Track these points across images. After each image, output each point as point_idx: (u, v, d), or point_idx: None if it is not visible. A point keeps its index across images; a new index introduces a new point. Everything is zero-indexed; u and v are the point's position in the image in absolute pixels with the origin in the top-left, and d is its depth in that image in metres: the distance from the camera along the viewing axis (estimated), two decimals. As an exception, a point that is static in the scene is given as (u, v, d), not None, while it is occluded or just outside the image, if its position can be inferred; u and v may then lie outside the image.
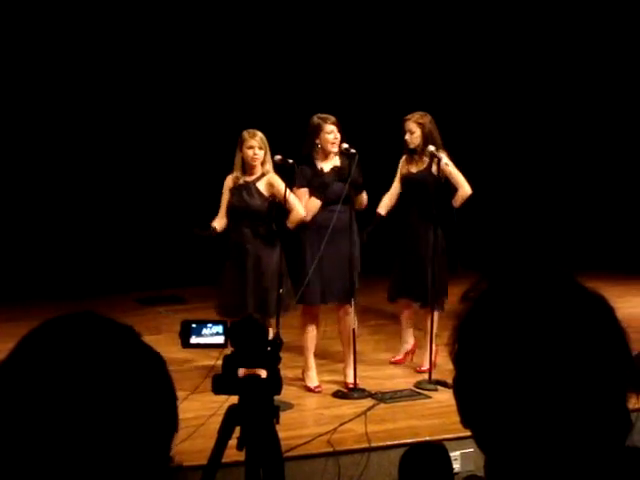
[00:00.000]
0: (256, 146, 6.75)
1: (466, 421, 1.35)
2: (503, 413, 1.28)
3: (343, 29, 10.44)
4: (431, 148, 7.09)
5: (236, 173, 6.86)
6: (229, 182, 6.90)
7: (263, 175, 6.85)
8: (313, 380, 7.12)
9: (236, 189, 6.84)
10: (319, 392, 7.05)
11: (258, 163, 6.80)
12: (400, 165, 7.39)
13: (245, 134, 6.80)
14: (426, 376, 7.14)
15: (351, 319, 7.00)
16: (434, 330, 7.20)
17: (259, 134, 6.78)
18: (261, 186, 6.84)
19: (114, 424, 1.21)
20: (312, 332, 7.09)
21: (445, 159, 7.04)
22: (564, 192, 11.19)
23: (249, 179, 6.85)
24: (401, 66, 10.64)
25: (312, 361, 7.15)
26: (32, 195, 9.76)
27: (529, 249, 10.44)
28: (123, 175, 10.03)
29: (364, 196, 7.11)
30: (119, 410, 1.22)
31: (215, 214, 6.94)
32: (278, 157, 6.83)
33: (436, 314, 7.19)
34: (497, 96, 10.97)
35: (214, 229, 6.84)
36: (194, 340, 3.83)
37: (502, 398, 1.28)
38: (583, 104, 11.12)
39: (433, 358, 7.17)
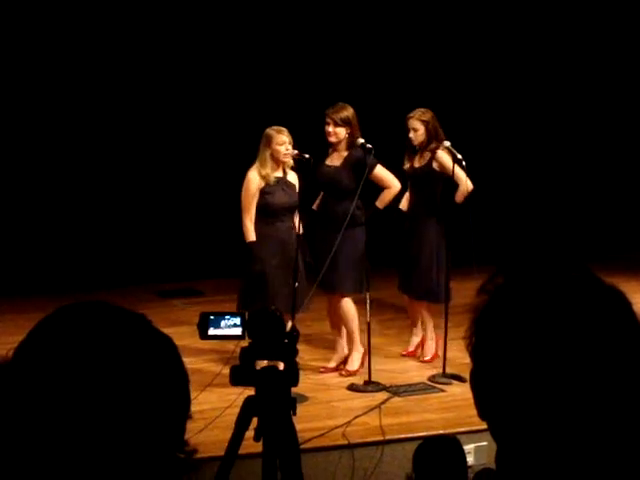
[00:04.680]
0: (287, 141, 6.74)
1: (483, 414, 1.35)
2: (520, 406, 1.29)
3: (345, 27, 10.40)
4: (447, 144, 7.11)
5: (266, 170, 6.77)
6: (258, 181, 6.79)
7: (286, 169, 6.88)
8: (332, 361, 7.29)
9: (272, 186, 6.79)
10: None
11: (290, 159, 6.81)
12: (404, 163, 7.41)
13: (272, 131, 6.76)
14: (440, 370, 7.18)
15: (342, 310, 7.08)
16: (431, 323, 7.33)
17: (285, 130, 6.79)
18: (292, 180, 6.87)
19: (127, 407, 1.23)
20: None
21: (459, 156, 7.07)
22: (581, 185, 11.15)
23: (280, 175, 6.84)
24: (406, 62, 10.58)
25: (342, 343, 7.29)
26: (53, 187, 9.78)
27: (545, 243, 10.42)
28: (142, 169, 10.04)
29: (385, 196, 7.17)
30: (132, 393, 1.24)
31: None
32: (295, 152, 6.85)
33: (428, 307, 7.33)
34: (506, 91, 10.92)
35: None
36: (212, 332, 3.86)
37: (519, 391, 1.29)
38: (595, 96, 11.07)
39: (435, 349, 7.26)
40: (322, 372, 7.22)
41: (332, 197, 7.04)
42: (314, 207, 7.24)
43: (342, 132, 6.97)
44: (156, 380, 1.26)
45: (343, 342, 7.29)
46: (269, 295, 6.70)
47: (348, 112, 6.97)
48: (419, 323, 7.65)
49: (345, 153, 7.05)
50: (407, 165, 7.36)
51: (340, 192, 6.98)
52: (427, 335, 7.45)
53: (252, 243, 6.77)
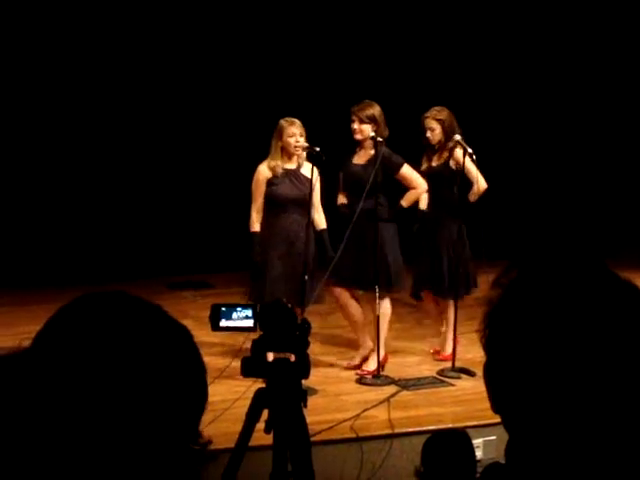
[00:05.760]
0: (298, 133, 6.73)
1: (496, 406, 1.36)
2: (533, 399, 1.29)
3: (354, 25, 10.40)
4: (457, 137, 7.10)
5: (275, 162, 6.78)
6: (266, 172, 6.81)
7: (300, 162, 6.86)
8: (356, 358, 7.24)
9: (279, 178, 6.79)
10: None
11: (301, 151, 6.80)
12: (422, 162, 7.40)
13: (284, 122, 6.76)
14: (449, 364, 7.18)
15: (382, 307, 7.01)
16: (451, 319, 7.26)
17: (298, 121, 6.77)
18: (307, 173, 6.82)
19: (144, 397, 1.24)
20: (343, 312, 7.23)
21: (470, 150, 7.06)
22: (592, 179, 11.13)
23: (290, 167, 6.83)
24: (419, 60, 10.58)
25: (362, 339, 7.22)
26: (65, 181, 9.81)
27: (560, 236, 10.39)
28: (154, 162, 10.05)
29: (411, 196, 7.14)
30: (149, 383, 1.24)
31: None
32: (305, 144, 6.81)
33: (452, 304, 7.26)
34: (517, 86, 10.91)
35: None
36: (224, 323, 3.87)
37: (533, 384, 1.29)
38: (607, 93, 11.06)
39: (452, 348, 7.23)
40: (346, 368, 7.19)
41: (355, 195, 6.97)
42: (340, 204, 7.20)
43: (368, 129, 6.92)
44: (173, 370, 1.27)
45: (367, 338, 7.21)
46: (267, 285, 6.70)
47: (374, 109, 6.92)
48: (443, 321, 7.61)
49: (372, 151, 7.00)
50: (425, 165, 7.36)
51: (363, 190, 6.89)
52: (448, 334, 7.37)
53: (254, 233, 6.82)
